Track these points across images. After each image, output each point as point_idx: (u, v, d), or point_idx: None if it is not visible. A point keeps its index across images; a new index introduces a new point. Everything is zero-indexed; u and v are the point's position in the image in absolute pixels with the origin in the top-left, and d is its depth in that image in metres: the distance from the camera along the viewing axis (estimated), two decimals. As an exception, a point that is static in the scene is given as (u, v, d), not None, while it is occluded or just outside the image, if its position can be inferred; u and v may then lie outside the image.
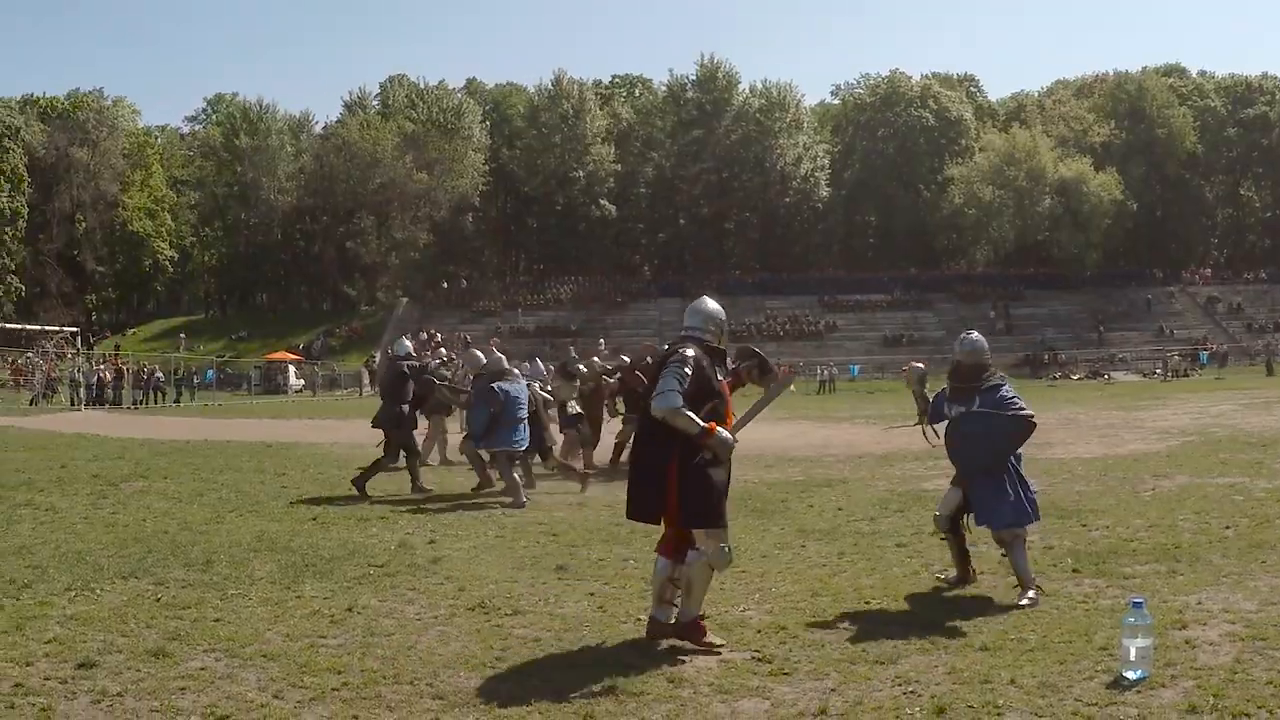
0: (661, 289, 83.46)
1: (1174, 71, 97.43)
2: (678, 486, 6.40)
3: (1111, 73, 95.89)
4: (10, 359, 54.24)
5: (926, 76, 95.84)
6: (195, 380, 56.70)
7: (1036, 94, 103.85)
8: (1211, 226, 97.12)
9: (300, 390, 60.55)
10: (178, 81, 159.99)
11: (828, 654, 6.27)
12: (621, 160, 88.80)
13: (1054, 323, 77.59)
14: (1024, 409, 7.81)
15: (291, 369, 63.78)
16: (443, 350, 35.61)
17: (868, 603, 7.63)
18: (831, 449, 19.66)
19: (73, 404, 42.85)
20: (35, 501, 12.60)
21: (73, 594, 7.79)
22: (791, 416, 28.60)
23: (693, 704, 5.48)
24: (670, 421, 6.35)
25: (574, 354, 21.15)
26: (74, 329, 66.91)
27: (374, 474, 13.92)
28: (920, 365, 9.34)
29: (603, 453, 18.12)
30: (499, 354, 14.76)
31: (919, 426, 8.87)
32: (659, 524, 6.67)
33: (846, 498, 12.96)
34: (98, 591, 7.90)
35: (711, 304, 7.03)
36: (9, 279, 76.29)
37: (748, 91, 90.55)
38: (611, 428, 18.11)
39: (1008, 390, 7.91)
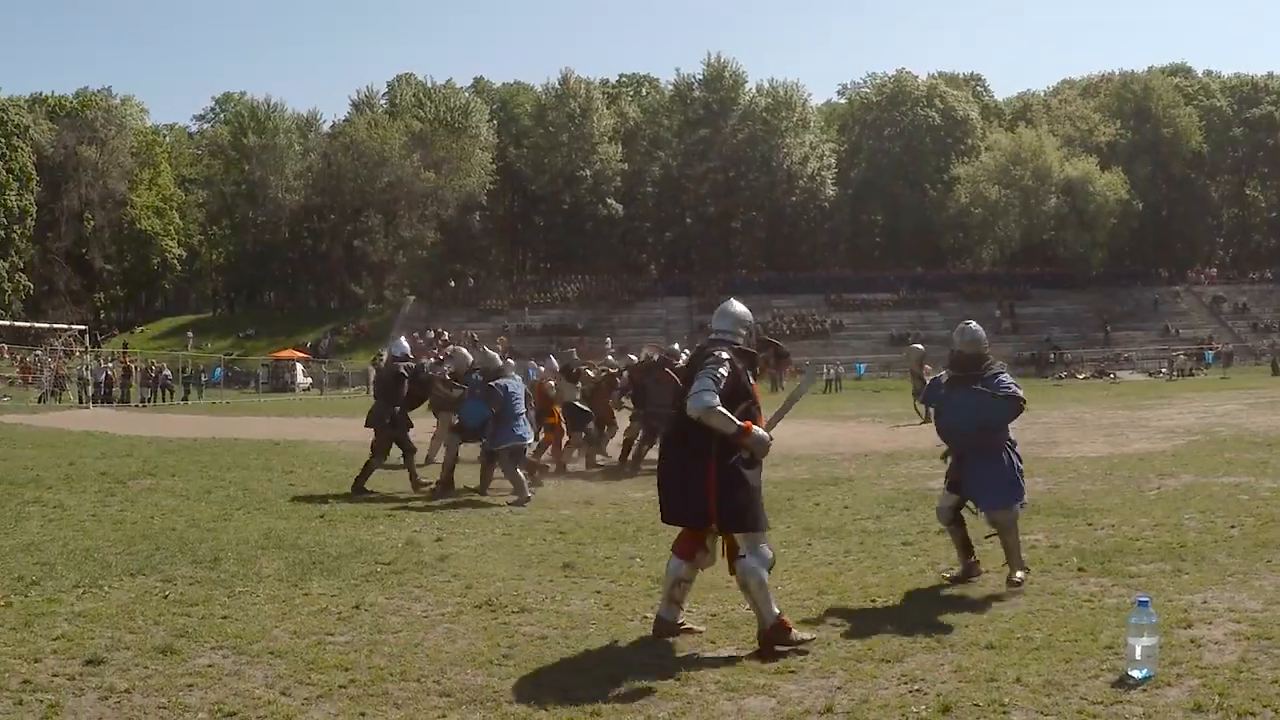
0: (668, 288, 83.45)
1: (1180, 71, 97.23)
2: (716, 490, 6.39)
3: (1117, 72, 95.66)
4: (19, 357, 54.42)
5: (933, 76, 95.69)
6: (203, 378, 56.76)
7: (1042, 93, 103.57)
8: (1217, 226, 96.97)
9: (308, 388, 60.58)
10: (186, 80, 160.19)
11: (834, 652, 6.28)
12: (628, 159, 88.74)
13: (1060, 322, 77.44)
14: (1016, 390, 8.04)
15: (299, 367, 63.79)
16: (446, 349, 35.61)
17: (874, 601, 7.64)
18: (838, 447, 19.65)
19: (81, 402, 42.93)
20: (43, 499, 12.64)
21: (81, 591, 7.82)
22: (797, 415, 28.53)
23: (699, 701, 5.49)
24: (706, 421, 6.33)
25: (576, 355, 21.19)
26: (82, 327, 67.04)
27: (367, 476, 13.94)
28: (920, 347, 9.59)
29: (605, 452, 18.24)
30: (492, 352, 14.78)
31: (915, 403, 9.09)
32: (700, 528, 6.65)
33: (852, 496, 12.97)
34: (106, 589, 7.93)
35: (740, 307, 7.04)
36: (17, 277, 76.44)
37: (754, 91, 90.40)
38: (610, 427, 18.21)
39: (1005, 376, 8.16)
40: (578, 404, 17.38)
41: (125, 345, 67.22)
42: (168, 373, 51.15)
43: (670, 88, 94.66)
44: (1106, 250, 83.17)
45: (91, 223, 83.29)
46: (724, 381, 6.40)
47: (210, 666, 6.03)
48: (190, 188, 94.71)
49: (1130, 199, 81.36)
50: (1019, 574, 7.88)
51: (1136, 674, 5.52)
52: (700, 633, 6.75)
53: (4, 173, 74.56)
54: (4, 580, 8.11)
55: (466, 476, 14.45)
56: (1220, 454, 16.36)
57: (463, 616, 7.27)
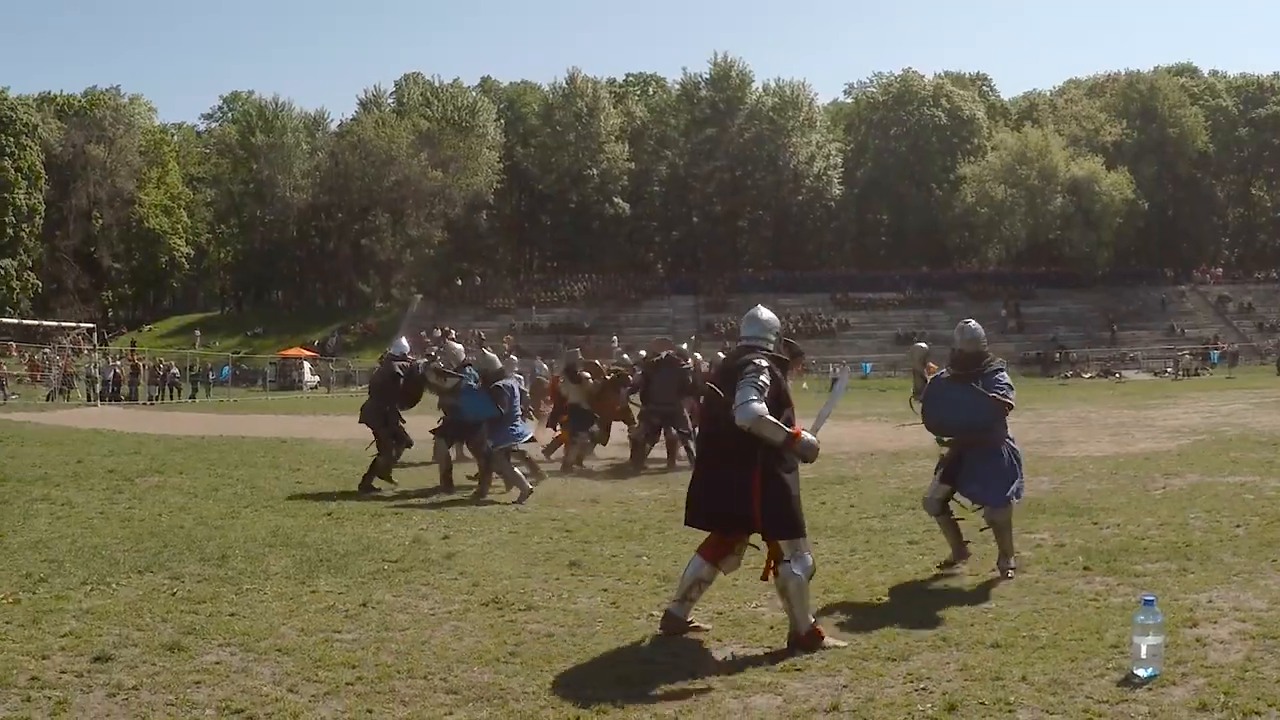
0: (675, 286, 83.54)
1: (1186, 71, 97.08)
2: (761, 497, 6.40)
3: (1123, 72, 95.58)
4: (27, 354, 54.45)
5: (939, 75, 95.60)
6: (211, 376, 56.85)
7: (1048, 93, 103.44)
8: (1223, 226, 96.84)
9: (315, 386, 60.64)
10: (194, 80, 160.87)
11: (840, 650, 6.29)
12: (635, 158, 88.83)
13: (1065, 321, 77.37)
14: (1007, 394, 8.27)
15: (306, 365, 63.84)
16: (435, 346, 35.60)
17: (879, 600, 7.66)
18: (843, 446, 19.62)
19: (89, 399, 42.99)
20: (51, 496, 12.67)
21: (89, 588, 7.85)
22: (803, 414, 28.51)
23: (706, 699, 5.50)
24: (757, 431, 6.34)
25: (580, 355, 21.23)
26: (90, 325, 66.92)
27: (374, 475, 13.94)
28: (924, 345, 9.69)
29: (606, 451, 18.29)
30: (491, 355, 14.79)
31: (912, 400, 9.19)
32: (743, 535, 6.66)
33: (858, 495, 12.97)
34: (114, 586, 7.95)
35: (767, 312, 7.06)
36: (26, 275, 76.59)
37: (761, 90, 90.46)
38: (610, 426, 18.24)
39: (1004, 376, 8.37)
40: (580, 405, 17.41)
41: (133, 343, 67.31)
42: (175, 371, 51.20)
43: (677, 87, 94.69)
44: (1112, 250, 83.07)
45: (100, 221, 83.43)
46: (767, 390, 6.43)
47: (218, 664, 6.05)
48: (198, 186, 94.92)
49: (1136, 198, 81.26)
50: (1011, 561, 8.17)
51: (1142, 673, 5.53)
52: (707, 630, 6.76)
53: (13, 171, 74.70)
54: (12, 577, 8.14)
55: (463, 476, 14.48)
56: (1226, 453, 16.33)
57: (469, 614, 7.28)
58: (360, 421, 14.86)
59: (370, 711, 5.31)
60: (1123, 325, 75.89)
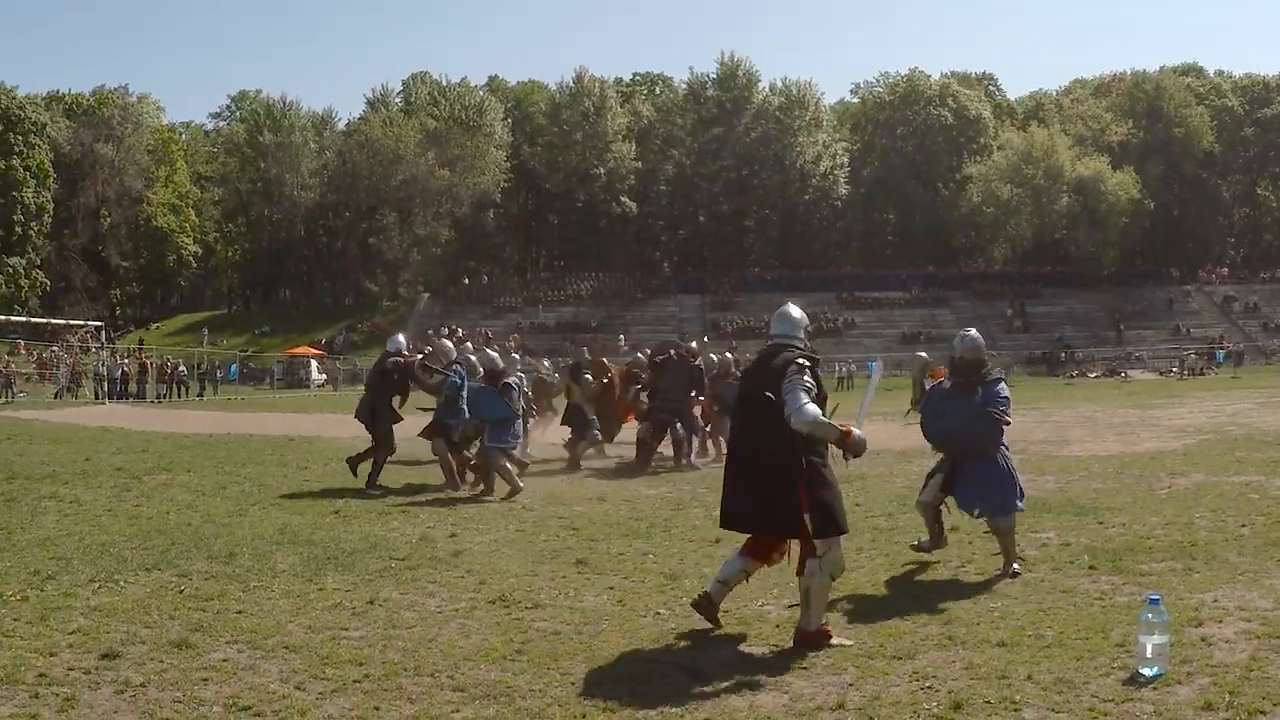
0: (681, 285, 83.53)
1: (1191, 71, 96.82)
2: (808, 500, 6.45)
3: (1129, 72, 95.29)
4: (36, 353, 54.61)
5: (945, 75, 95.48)
6: (218, 374, 56.94)
7: (1054, 93, 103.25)
8: (1228, 226, 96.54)
9: (322, 385, 60.67)
10: (202, 79, 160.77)
11: (846, 649, 6.30)
12: (642, 158, 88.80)
13: (1071, 321, 77.24)
14: (1006, 413, 8.43)
15: (314, 364, 63.89)
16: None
17: (885, 598, 7.66)
18: (850, 445, 19.61)
19: (97, 397, 43.10)
20: (60, 494, 12.70)
21: (96, 585, 7.88)
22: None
23: (712, 697, 5.52)
24: (814, 432, 6.41)
25: (588, 354, 21.23)
26: (98, 323, 67.40)
27: (379, 472, 13.95)
28: (925, 355, 9.78)
29: (613, 449, 18.30)
30: (493, 353, 14.80)
31: (910, 412, 9.26)
32: (791, 537, 6.67)
33: (865, 494, 12.96)
34: (121, 583, 7.99)
35: (798, 310, 7.15)
36: (34, 274, 76.76)
37: (767, 90, 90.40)
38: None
39: (1003, 388, 8.52)
40: (580, 406, 17.44)
41: (141, 341, 67.51)
42: (183, 369, 51.33)
43: (684, 86, 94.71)
44: (1118, 249, 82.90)
45: (108, 220, 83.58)
46: (814, 390, 6.49)
47: (225, 661, 6.07)
48: (206, 185, 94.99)
49: (1142, 198, 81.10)
50: (1015, 565, 8.23)
51: (1147, 672, 5.54)
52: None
53: (21, 170, 74.87)
54: (20, 574, 8.17)
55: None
56: (1231, 453, 16.31)
57: (476, 612, 7.30)
58: (355, 416, 14.90)
59: (377, 709, 5.33)
60: (1128, 325, 75.77)
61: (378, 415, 14.40)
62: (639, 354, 20.16)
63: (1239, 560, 8.41)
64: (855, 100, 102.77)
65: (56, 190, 79.15)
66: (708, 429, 17.73)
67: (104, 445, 19.43)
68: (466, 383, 13.95)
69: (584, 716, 5.26)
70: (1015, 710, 5.18)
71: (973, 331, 8.96)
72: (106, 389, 44.30)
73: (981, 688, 5.48)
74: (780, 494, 6.47)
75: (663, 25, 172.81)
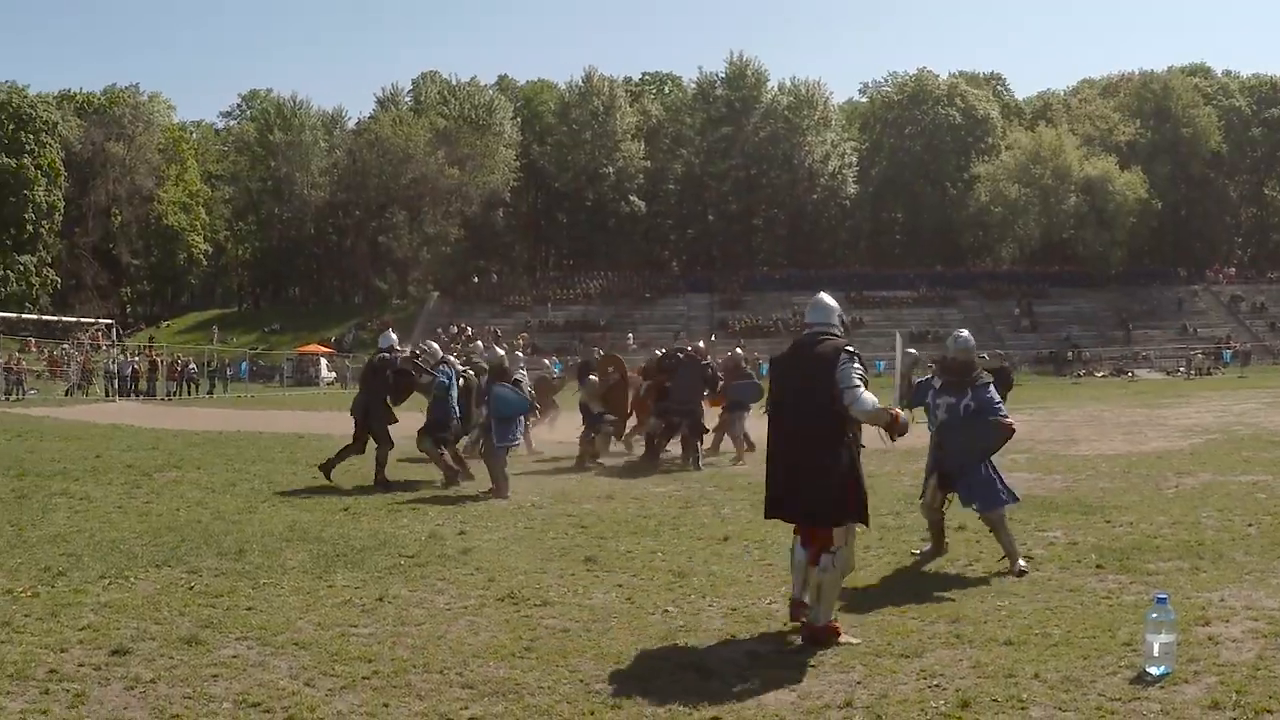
0: (690, 284, 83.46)
1: (1199, 71, 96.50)
2: (855, 489, 6.59)
3: (1137, 72, 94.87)
4: (47, 350, 54.80)
5: (953, 75, 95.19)
6: (228, 372, 57.04)
7: (1062, 93, 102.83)
8: (1235, 226, 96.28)
9: (332, 382, 60.66)
10: (213, 78, 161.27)
11: (854, 647, 6.31)
12: (651, 157, 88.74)
13: (1078, 320, 77.02)
14: (1006, 415, 8.77)
15: (323, 361, 63.96)
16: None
17: (892, 597, 7.67)
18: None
19: (107, 395, 43.23)
20: (70, 491, 12.76)
21: (107, 582, 7.92)
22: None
23: (720, 695, 5.53)
24: (873, 420, 6.58)
25: (598, 354, 21.23)
26: (109, 321, 67.57)
27: (383, 468, 14.00)
28: (914, 352, 10.00)
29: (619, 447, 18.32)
30: (500, 350, 14.82)
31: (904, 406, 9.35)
32: (839, 524, 6.68)
33: (871, 492, 12.83)
34: (131, 580, 8.02)
35: (831, 299, 7.20)
36: (45, 272, 76.93)
37: (776, 89, 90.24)
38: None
39: (993, 392, 8.80)
40: (588, 404, 17.47)
41: (151, 339, 67.71)
42: (193, 367, 51.42)
43: (693, 86, 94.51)
44: (1125, 249, 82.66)
45: (119, 218, 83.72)
46: (866, 377, 6.60)
47: (235, 657, 6.10)
48: (216, 184, 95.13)
49: (1149, 198, 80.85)
50: (1021, 563, 8.33)
51: (1154, 671, 5.55)
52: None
53: (33, 169, 75.01)
54: (31, 571, 8.22)
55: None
56: (1238, 452, 16.31)
57: (485, 609, 7.33)
58: (350, 413, 14.96)
59: (386, 705, 5.36)
60: (1136, 324, 75.54)
61: (371, 413, 14.46)
62: (656, 352, 20.15)
63: (1246, 559, 8.42)
64: (864, 100, 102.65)
65: (67, 189, 79.30)
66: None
67: (114, 442, 19.51)
68: (476, 382, 14.00)
69: (592, 714, 5.28)
70: (1022, 708, 5.19)
71: (965, 333, 9.21)
72: (117, 386, 44.43)
73: (989, 686, 5.50)
74: (828, 481, 6.52)
75: (672, 25, 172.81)
